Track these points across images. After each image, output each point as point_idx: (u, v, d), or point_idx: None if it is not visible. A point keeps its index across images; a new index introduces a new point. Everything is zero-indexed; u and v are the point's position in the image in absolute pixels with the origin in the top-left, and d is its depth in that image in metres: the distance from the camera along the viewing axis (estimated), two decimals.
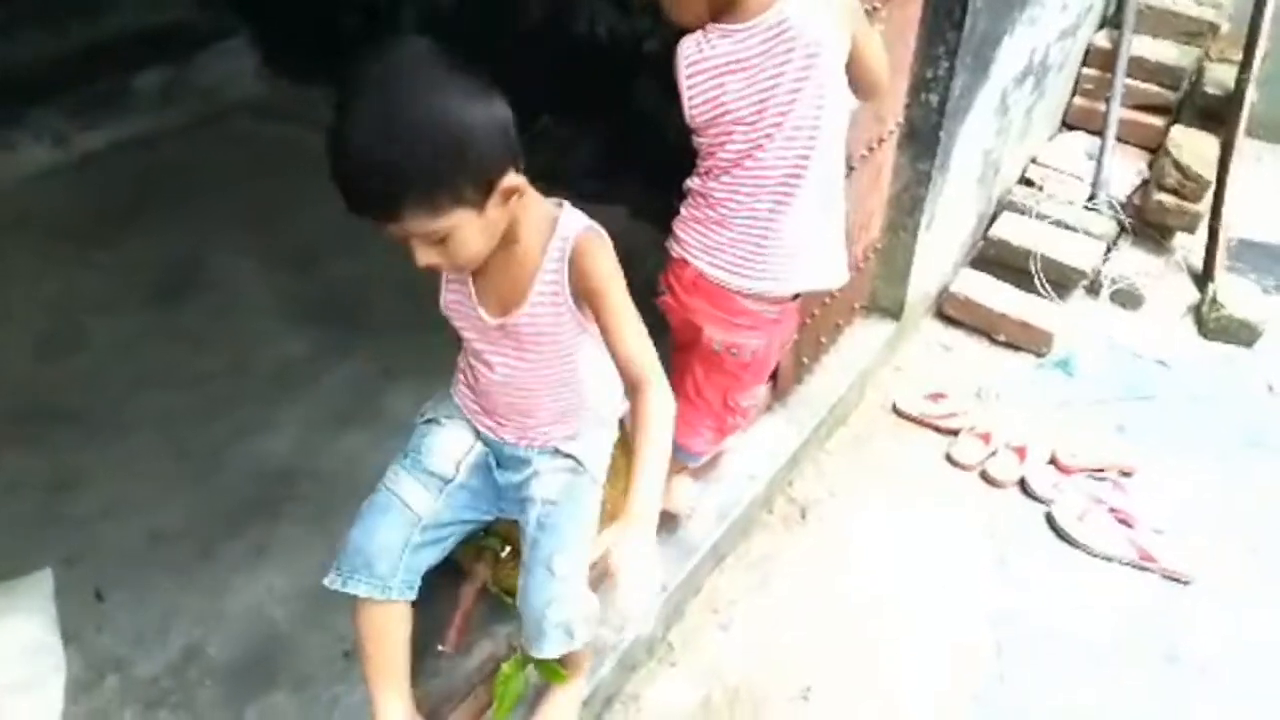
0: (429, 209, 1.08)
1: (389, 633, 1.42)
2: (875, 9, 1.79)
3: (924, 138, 2.21)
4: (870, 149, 2.06)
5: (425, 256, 1.15)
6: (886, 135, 2.13)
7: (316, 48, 3.30)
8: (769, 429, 2.17)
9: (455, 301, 1.35)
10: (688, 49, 1.43)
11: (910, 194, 2.31)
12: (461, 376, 1.48)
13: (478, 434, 1.48)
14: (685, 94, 1.45)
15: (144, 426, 2.14)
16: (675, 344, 1.68)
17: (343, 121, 1.05)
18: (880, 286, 2.47)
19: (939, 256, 2.61)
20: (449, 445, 1.46)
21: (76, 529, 1.91)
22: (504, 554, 1.58)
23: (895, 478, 2.25)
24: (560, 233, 1.25)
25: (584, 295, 1.26)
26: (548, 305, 1.28)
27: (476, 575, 1.59)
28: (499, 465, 1.49)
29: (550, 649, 1.37)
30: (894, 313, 2.50)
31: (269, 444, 2.11)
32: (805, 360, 2.24)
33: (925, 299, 2.68)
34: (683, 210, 1.59)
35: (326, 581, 1.39)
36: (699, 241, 1.56)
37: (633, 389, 1.25)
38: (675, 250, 1.60)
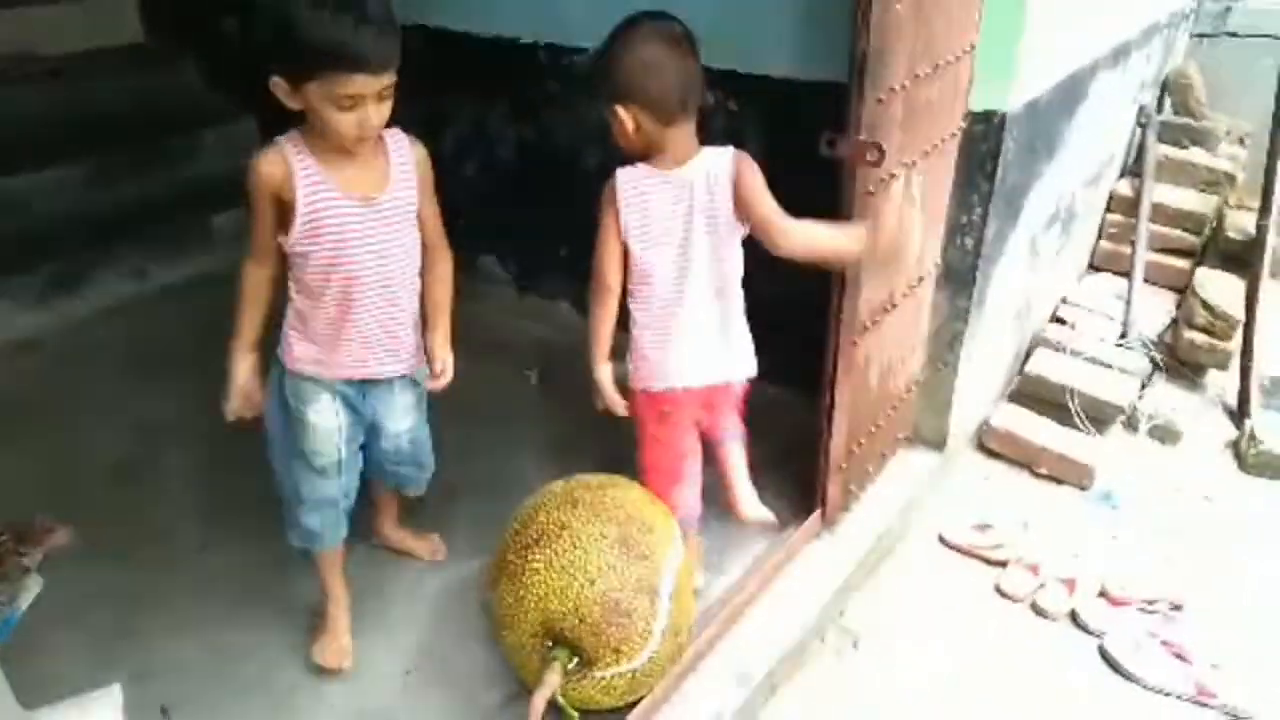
0: (396, 64, 1.47)
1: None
2: (914, 163, 1.96)
3: (961, 277, 2.34)
4: (911, 287, 2.19)
5: (379, 115, 1.50)
6: (926, 274, 2.26)
7: None
8: (820, 556, 2.21)
9: (324, 198, 1.55)
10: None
11: (949, 330, 2.41)
12: (305, 328, 1.70)
13: (335, 393, 1.75)
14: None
15: (215, 545, 2.22)
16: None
17: (346, 3, 1.39)
18: (923, 419, 2.55)
19: (978, 390, 2.69)
20: (323, 430, 1.77)
21: (147, 644, 1.97)
22: (572, 665, 1.62)
23: (945, 608, 2.27)
24: (392, 134, 1.64)
25: (419, 182, 1.66)
26: (405, 187, 1.63)
27: (546, 685, 1.61)
28: (356, 405, 1.79)
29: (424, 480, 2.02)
30: (937, 444, 2.56)
31: None
32: (853, 489, 2.30)
33: (966, 432, 2.74)
34: None
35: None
36: None
37: (435, 250, 1.77)
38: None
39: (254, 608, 2.06)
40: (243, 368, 1.74)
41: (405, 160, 1.65)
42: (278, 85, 1.46)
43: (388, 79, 1.47)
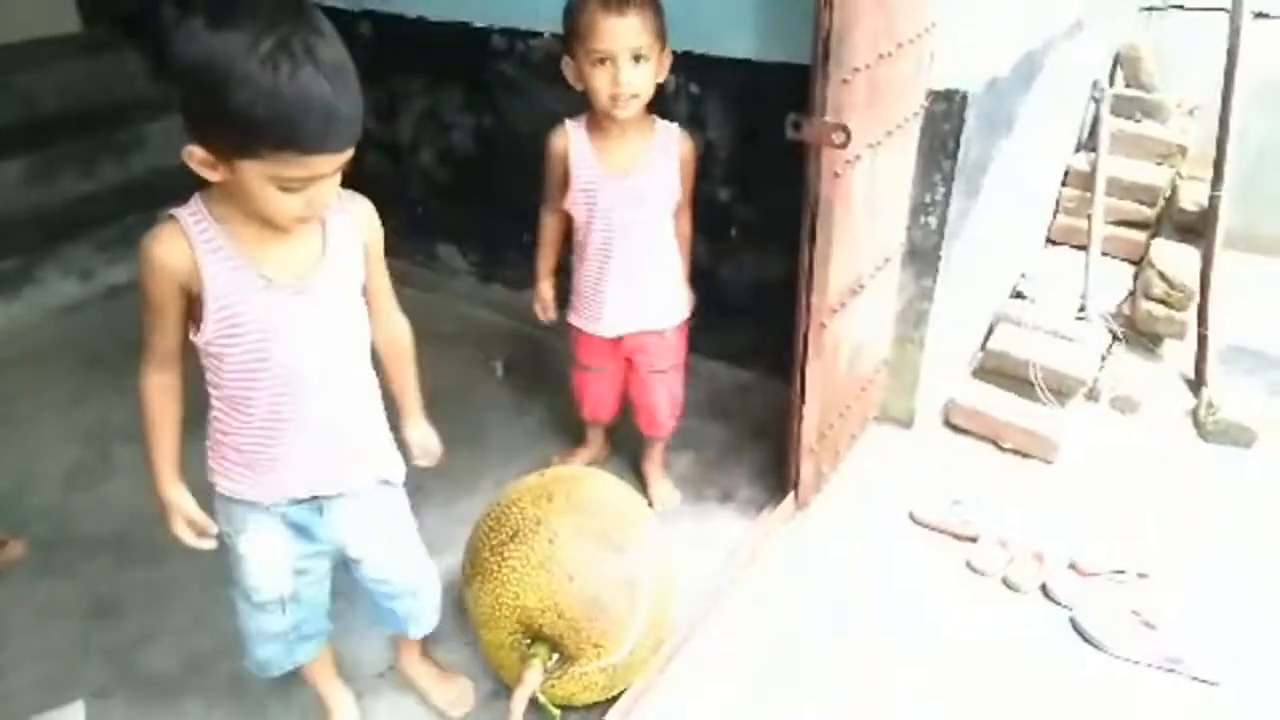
0: (356, 140, 1.16)
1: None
2: (878, 143, 1.95)
3: (925, 256, 2.35)
4: (878, 268, 2.19)
5: (331, 192, 1.19)
6: (891, 255, 2.26)
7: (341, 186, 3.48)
8: (792, 540, 2.21)
9: (242, 285, 1.21)
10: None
11: (915, 309, 2.42)
12: (228, 441, 1.37)
13: (280, 519, 1.42)
14: None
15: (177, 553, 2.15)
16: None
17: (306, 66, 1.05)
18: (891, 398, 2.56)
19: (944, 367, 2.71)
20: (262, 561, 1.46)
21: (110, 659, 1.91)
22: (551, 662, 1.60)
23: (918, 587, 2.28)
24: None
25: (364, 244, 1.35)
26: (346, 259, 1.31)
27: (526, 683, 1.59)
28: (309, 530, 1.46)
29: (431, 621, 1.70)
30: (906, 423, 2.58)
31: None
32: (824, 470, 2.31)
33: (933, 409, 2.76)
34: None
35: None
36: None
37: (391, 324, 1.49)
38: None
39: (219, 616, 1.99)
40: (174, 497, 1.40)
41: (346, 224, 1.31)
42: (194, 155, 1.13)
43: (349, 153, 1.16)
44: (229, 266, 1.20)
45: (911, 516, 2.48)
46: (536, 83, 2.78)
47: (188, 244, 1.19)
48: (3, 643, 1.95)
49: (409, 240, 3.25)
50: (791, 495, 2.22)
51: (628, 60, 1.72)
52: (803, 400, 2.07)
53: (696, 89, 2.49)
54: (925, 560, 2.36)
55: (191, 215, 1.21)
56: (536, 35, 2.71)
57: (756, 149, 2.45)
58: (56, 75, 3.64)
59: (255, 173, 1.11)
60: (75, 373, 2.87)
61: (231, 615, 1.99)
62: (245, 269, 1.21)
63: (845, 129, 1.66)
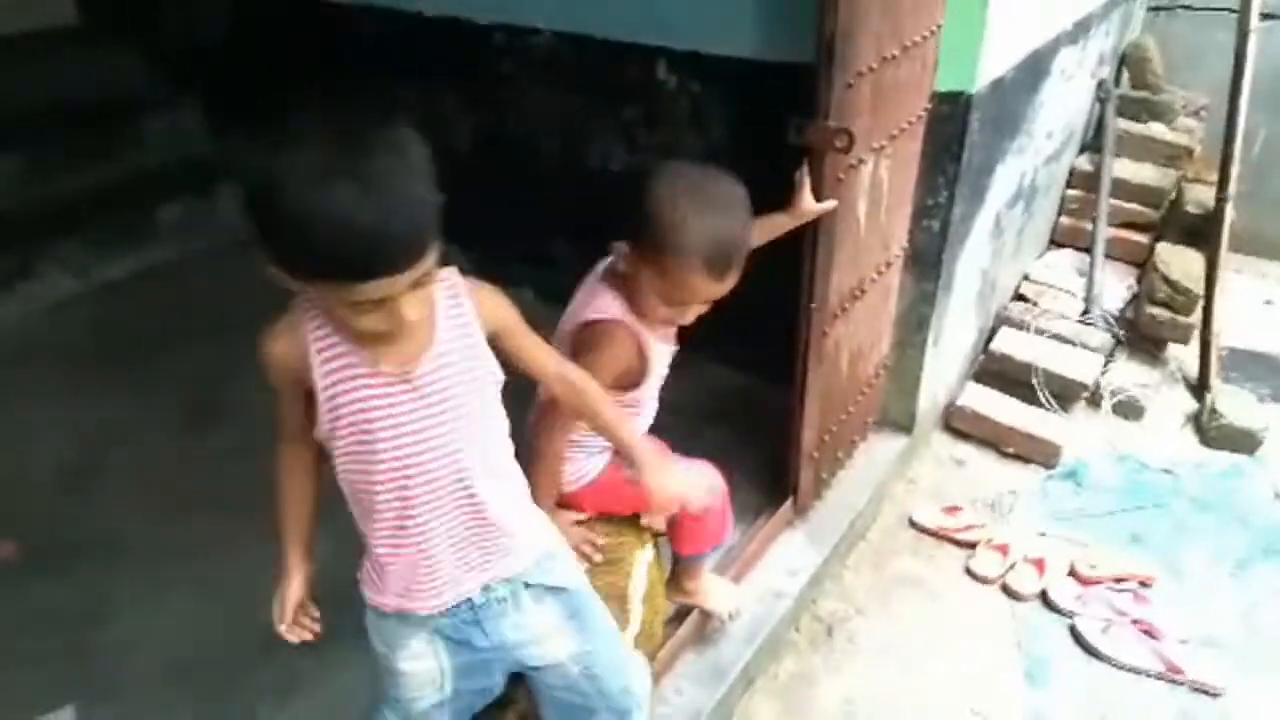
0: (425, 252, 1.03)
1: None
2: (882, 147, 1.92)
3: (927, 260, 2.32)
4: (879, 272, 2.16)
5: (415, 306, 1.06)
6: (893, 259, 2.23)
7: None
8: (792, 545, 2.19)
9: (345, 376, 1.15)
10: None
11: (916, 313, 2.39)
12: (373, 552, 1.29)
13: (433, 631, 1.33)
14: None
15: (169, 556, 2.14)
16: None
17: (346, 186, 0.95)
18: (891, 402, 2.53)
19: (945, 371, 2.69)
20: (419, 677, 1.35)
21: (101, 662, 1.89)
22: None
23: (918, 593, 2.26)
24: (442, 277, 1.17)
25: (495, 333, 1.22)
26: (457, 345, 1.18)
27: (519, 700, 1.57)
28: (466, 643, 1.34)
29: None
30: (905, 427, 2.55)
31: None
32: (824, 476, 2.28)
33: (934, 413, 2.74)
34: None
35: None
36: None
37: (561, 382, 1.32)
38: None
39: (211, 620, 1.98)
40: (286, 583, 1.33)
41: (461, 316, 1.19)
42: (268, 268, 1.04)
43: (424, 265, 1.04)
44: (335, 358, 1.15)
45: (911, 522, 2.47)
46: (535, 81, 2.75)
47: (300, 340, 1.15)
48: None
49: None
50: (790, 500, 2.20)
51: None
52: (803, 405, 2.04)
53: (698, 88, 2.46)
54: (924, 566, 2.34)
55: (304, 312, 1.15)
56: (537, 32, 2.68)
57: (757, 149, 2.42)
58: (51, 68, 3.61)
59: (322, 292, 1.05)
60: (68, 370, 2.84)
61: (223, 616, 1.99)
62: (349, 355, 1.15)
63: (849, 133, 1.63)
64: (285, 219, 0.96)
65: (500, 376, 1.24)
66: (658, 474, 1.32)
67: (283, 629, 1.33)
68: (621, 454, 1.33)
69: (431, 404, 1.17)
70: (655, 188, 1.40)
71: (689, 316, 1.49)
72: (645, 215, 1.39)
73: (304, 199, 0.95)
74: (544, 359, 1.31)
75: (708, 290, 1.42)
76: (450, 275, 1.19)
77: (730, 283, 1.43)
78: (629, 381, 1.53)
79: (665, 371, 1.60)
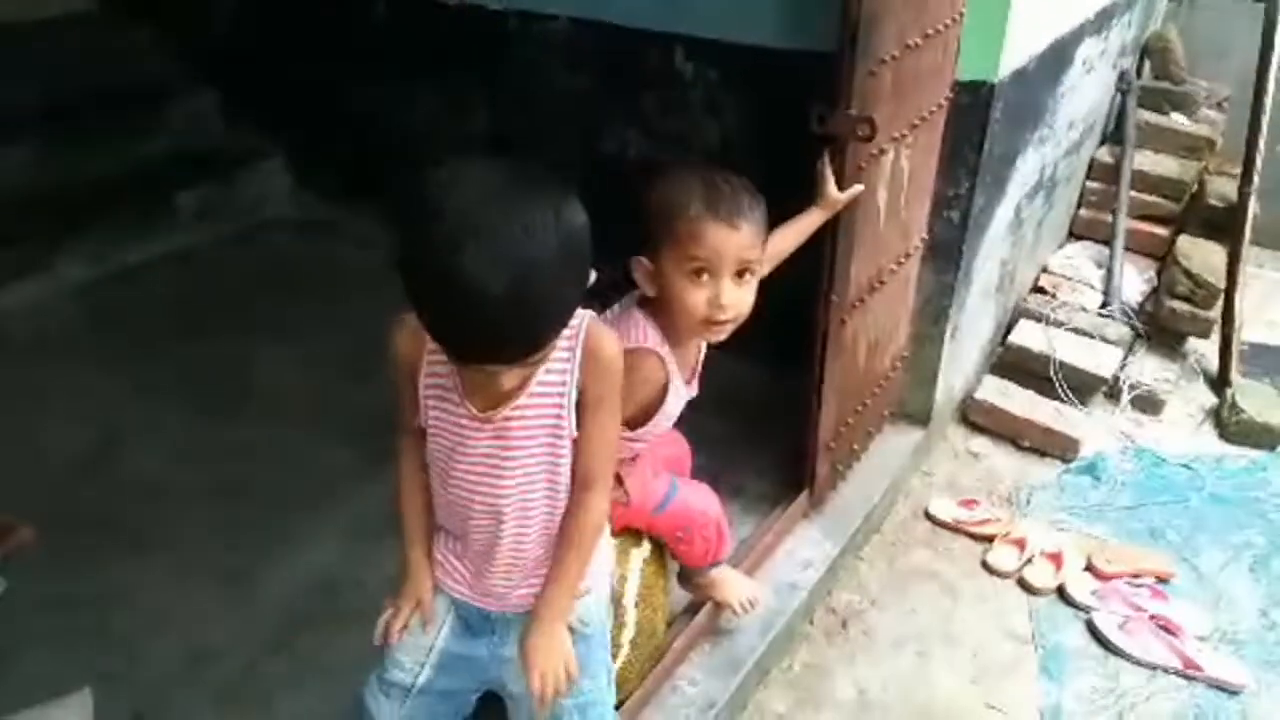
0: (541, 349, 1.05)
1: None
2: (903, 136, 1.90)
3: (947, 251, 2.30)
4: (899, 263, 2.14)
5: (512, 380, 1.10)
6: (912, 250, 2.21)
7: (346, 169, 3.47)
8: (807, 538, 2.18)
9: (441, 393, 1.20)
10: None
11: (934, 305, 2.38)
12: (435, 513, 1.35)
13: (452, 603, 1.36)
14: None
15: (188, 540, 2.15)
16: None
17: (480, 264, 0.93)
18: (909, 394, 2.52)
19: (963, 364, 2.67)
20: (409, 645, 1.35)
21: (119, 646, 1.90)
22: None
23: (933, 586, 2.25)
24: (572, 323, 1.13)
25: (586, 396, 1.20)
26: (545, 403, 1.19)
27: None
28: (474, 634, 1.37)
29: None
30: (922, 419, 2.54)
31: (314, 556, 2.11)
32: (840, 468, 2.27)
33: (951, 405, 2.72)
34: None
35: None
36: None
37: (578, 504, 1.27)
38: None
39: (229, 606, 1.99)
40: (410, 585, 1.34)
41: (565, 364, 1.18)
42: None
43: (537, 358, 1.07)
44: (440, 371, 1.20)
45: (927, 515, 2.45)
46: (553, 68, 2.74)
47: (422, 342, 1.18)
48: (10, 628, 1.94)
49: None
50: (806, 492, 2.19)
51: (731, 276, 1.41)
52: (820, 396, 2.03)
53: (715, 75, 2.45)
54: (940, 560, 2.33)
55: None
56: (552, 19, 2.67)
57: (775, 137, 2.40)
58: (70, 54, 3.61)
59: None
60: (89, 356, 2.85)
61: (241, 601, 2.00)
62: (448, 378, 1.19)
63: (871, 122, 1.61)
64: (420, 286, 0.98)
65: (575, 433, 1.23)
66: (541, 650, 1.26)
67: (400, 617, 1.33)
68: (545, 591, 1.30)
69: (509, 445, 1.21)
70: (648, 193, 1.42)
71: (725, 300, 1.40)
72: (646, 214, 1.41)
73: (441, 274, 0.94)
74: (589, 456, 1.25)
75: (723, 240, 1.36)
76: (580, 320, 1.17)
77: (743, 231, 1.37)
78: (645, 416, 1.52)
79: (675, 415, 1.56)
